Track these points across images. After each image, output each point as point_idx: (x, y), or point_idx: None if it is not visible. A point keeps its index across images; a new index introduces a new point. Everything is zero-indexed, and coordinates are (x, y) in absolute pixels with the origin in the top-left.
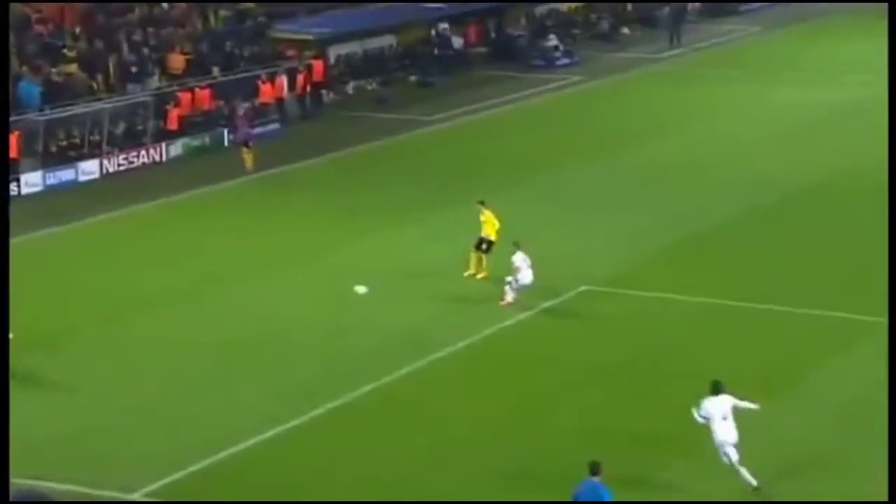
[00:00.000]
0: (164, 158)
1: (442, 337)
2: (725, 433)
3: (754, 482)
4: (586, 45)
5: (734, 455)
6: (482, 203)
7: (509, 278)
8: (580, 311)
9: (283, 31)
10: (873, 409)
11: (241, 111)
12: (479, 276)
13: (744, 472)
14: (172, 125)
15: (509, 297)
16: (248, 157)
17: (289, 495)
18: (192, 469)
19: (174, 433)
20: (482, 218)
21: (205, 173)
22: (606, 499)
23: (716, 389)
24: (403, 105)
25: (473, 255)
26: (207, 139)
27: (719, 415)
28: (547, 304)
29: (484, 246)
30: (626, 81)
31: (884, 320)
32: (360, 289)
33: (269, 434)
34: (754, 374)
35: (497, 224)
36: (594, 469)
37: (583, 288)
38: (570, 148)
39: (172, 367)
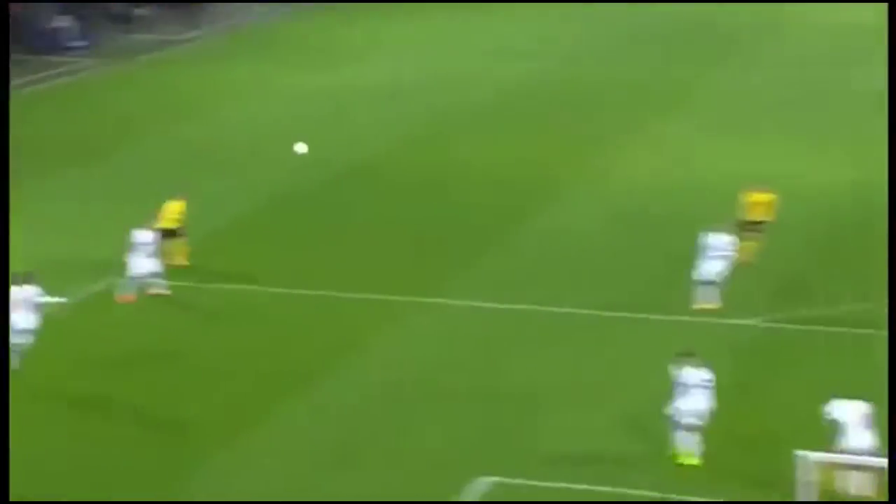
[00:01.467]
0: None
1: None
2: None
3: None
4: (102, 27)
5: None
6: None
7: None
8: (101, 309)
9: None
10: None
11: None
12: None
13: None
14: None
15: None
16: None
17: None
18: None
19: None
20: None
21: None
22: None
23: None
24: None
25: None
26: None
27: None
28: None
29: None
30: (147, 64)
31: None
32: (300, 147)
33: None
34: (293, 360)
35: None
36: None
37: (105, 283)
38: (84, 140)
39: None
